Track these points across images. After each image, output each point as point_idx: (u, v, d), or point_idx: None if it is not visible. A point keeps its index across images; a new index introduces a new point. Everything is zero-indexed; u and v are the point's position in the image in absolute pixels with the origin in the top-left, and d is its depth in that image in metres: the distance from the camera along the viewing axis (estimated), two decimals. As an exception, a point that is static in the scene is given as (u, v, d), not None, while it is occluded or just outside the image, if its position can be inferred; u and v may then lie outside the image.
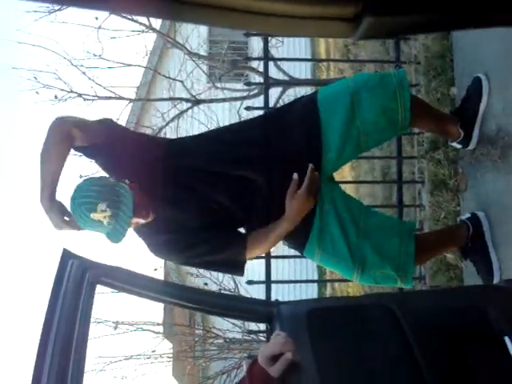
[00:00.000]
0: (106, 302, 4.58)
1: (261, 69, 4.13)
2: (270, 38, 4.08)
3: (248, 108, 3.41)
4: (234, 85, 6.13)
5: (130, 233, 2.27)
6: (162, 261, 9.74)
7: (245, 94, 5.43)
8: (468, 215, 2.79)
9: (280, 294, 3.49)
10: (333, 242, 2.33)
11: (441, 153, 3.23)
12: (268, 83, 3.44)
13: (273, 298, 3.01)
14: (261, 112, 3.36)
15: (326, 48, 9.01)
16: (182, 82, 5.61)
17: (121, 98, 5.63)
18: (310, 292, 8.31)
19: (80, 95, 5.51)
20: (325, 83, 5.15)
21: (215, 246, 2.27)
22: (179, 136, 3.47)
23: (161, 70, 7.91)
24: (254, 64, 5.41)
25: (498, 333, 1.60)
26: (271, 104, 3.96)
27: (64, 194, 2.13)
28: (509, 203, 2.64)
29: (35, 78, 5.45)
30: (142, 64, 6.38)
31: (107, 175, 2.24)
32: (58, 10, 5.03)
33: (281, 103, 5.12)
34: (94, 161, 2.32)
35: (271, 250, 3.29)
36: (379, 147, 4.25)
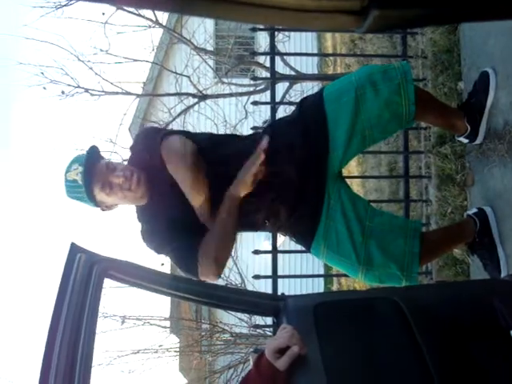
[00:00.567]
0: (114, 296, 4.61)
1: (267, 64, 4.13)
2: (276, 33, 4.07)
3: (255, 103, 3.42)
4: (241, 80, 6.12)
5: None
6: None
7: (251, 88, 5.43)
8: (475, 210, 2.78)
9: (286, 288, 3.49)
10: (338, 239, 2.33)
11: (448, 147, 3.23)
12: (274, 78, 3.44)
13: (279, 293, 3.01)
14: (267, 107, 3.37)
15: (332, 43, 8.99)
16: (188, 77, 5.62)
17: (128, 93, 5.64)
18: (317, 287, 8.33)
19: (87, 90, 5.53)
20: (331, 78, 5.14)
21: (177, 256, 2.28)
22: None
23: (167, 65, 7.91)
24: (261, 59, 5.41)
25: (504, 326, 1.60)
26: (278, 99, 3.96)
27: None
28: (516, 198, 2.63)
29: (42, 73, 5.47)
30: (149, 59, 6.37)
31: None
32: (65, 5, 5.04)
33: (287, 98, 5.11)
34: None
35: (278, 244, 3.31)
36: (386, 142, 4.25)
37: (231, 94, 5.52)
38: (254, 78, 4.29)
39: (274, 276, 3.19)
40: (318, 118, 2.35)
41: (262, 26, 3.63)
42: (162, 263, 6.09)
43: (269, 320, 3.09)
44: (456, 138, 2.86)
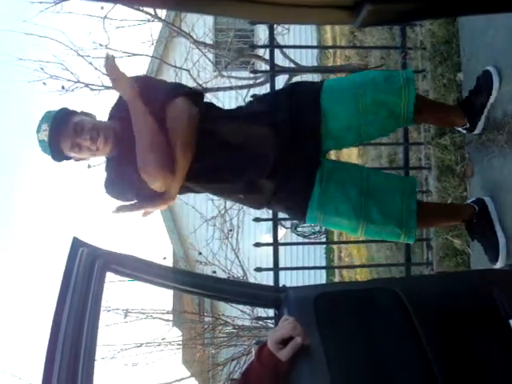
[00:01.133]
0: (116, 290, 4.62)
1: (267, 56, 4.12)
2: (275, 26, 4.07)
3: (254, 96, 3.42)
4: (241, 73, 6.11)
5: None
6: (171, 249, 9.75)
7: (251, 81, 5.43)
8: (473, 199, 2.82)
9: (288, 281, 3.52)
10: (336, 205, 2.37)
11: (447, 139, 3.23)
12: (274, 71, 3.44)
13: (281, 285, 3.03)
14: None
15: (332, 35, 8.97)
16: (188, 70, 5.61)
17: (128, 87, 5.62)
18: (318, 279, 8.34)
19: (87, 85, 5.52)
20: (331, 70, 5.15)
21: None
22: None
23: (167, 59, 7.90)
24: (260, 52, 5.39)
25: (503, 316, 1.61)
26: (277, 92, 3.95)
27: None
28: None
29: (42, 68, 5.46)
30: (148, 53, 6.36)
31: None
32: (64, 0, 5.03)
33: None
34: None
35: (279, 237, 3.32)
36: (386, 134, 4.25)
37: (231, 87, 5.52)
38: (254, 71, 4.30)
39: (276, 268, 3.21)
40: (311, 102, 2.39)
41: (264, 21, 3.62)
42: (165, 257, 6.12)
43: (271, 312, 3.11)
44: (455, 128, 2.90)
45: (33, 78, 5.52)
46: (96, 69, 5.44)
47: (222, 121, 2.41)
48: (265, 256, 3.79)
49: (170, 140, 2.24)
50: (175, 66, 5.79)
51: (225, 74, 5.63)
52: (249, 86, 5.37)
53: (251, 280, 4.82)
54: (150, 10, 5.29)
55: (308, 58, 8.41)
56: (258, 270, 3.31)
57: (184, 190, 2.42)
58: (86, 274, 1.74)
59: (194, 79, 5.55)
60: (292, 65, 5.31)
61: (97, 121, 2.38)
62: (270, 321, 4.22)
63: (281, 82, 5.05)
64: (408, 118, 2.42)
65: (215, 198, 2.82)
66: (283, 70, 4.70)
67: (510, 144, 2.66)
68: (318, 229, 9.39)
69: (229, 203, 5.37)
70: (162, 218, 9.95)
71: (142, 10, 5.19)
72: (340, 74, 5.34)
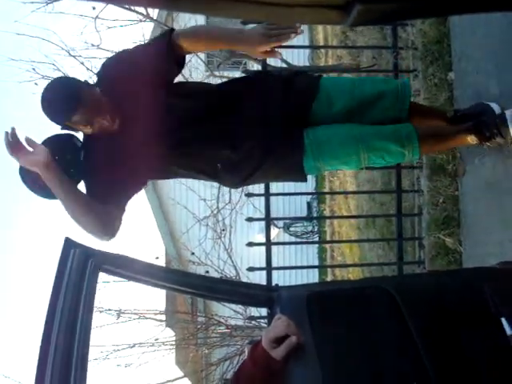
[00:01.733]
0: (109, 290, 4.62)
1: (259, 57, 4.12)
2: (267, 26, 4.07)
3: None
4: (233, 72, 6.12)
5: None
6: (164, 249, 9.73)
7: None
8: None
9: (281, 280, 3.51)
10: (329, 146, 2.33)
11: (439, 138, 3.24)
12: (266, 70, 3.44)
13: (273, 285, 3.03)
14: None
15: (324, 35, 8.98)
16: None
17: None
18: (311, 278, 8.35)
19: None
20: (323, 70, 5.15)
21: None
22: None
23: (159, 59, 7.87)
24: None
25: (494, 314, 1.62)
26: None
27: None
28: (507, 188, 2.65)
29: (34, 69, 5.45)
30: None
31: None
32: (56, 0, 5.02)
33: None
34: None
35: (272, 237, 3.32)
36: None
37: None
38: (246, 71, 4.29)
39: (269, 268, 3.21)
40: (308, 87, 2.41)
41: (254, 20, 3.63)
42: (157, 257, 6.12)
43: (264, 311, 3.11)
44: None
45: (24, 79, 5.51)
46: (88, 69, 5.42)
47: (196, 94, 2.41)
48: (257, 256, 3.79)
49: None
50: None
51: (217, 73, 5.64)
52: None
53: (244, 280, 4.83)
54: (142, 10, 5.28)
55: (300, 58, 8.43)
56: (251, 269, 3.32)
57: (163, 174, 2.45)
58: (78, 274, 1.73)
59: (186, 79, 5.54)
60: (284, 65, 5.32)
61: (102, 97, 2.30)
62: (262, 320, 4.22)
63: (273, 81, 5.05)
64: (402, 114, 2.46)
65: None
66: (275, 70, 4.70)
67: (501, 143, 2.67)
68: (310, 228, 9.41)
69: (221, 203, 5.38)
70: (154, 218, 9.94)
71: (133, 10, 5.18)
72: (332, 73, 5.35)
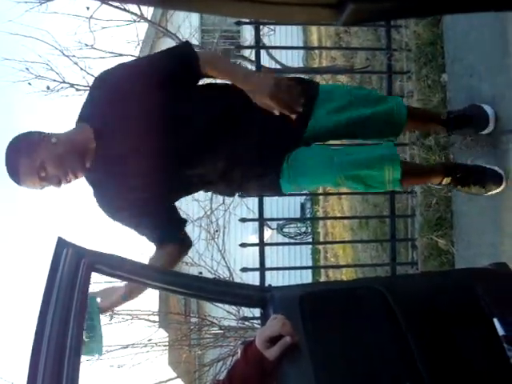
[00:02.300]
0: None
1: (253, 57, 4.13)
2: (261, 27, 4.08)
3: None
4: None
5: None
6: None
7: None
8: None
9: (274, 281, 3.52)
10: (305, 168, 2.30)
11: (432, 139, 3.26)
12: (260, 71, 3.44)
13: (266, 285, 3.03)
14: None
15: (318, 36, 8.99)
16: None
17: (113, 87, 5.60)
18: (305, 279, 8.35)
19: (72, 85, 5.51)
20: (317, 71, 5.16)
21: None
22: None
23: (153, 59, 7.86)
24: (246, 52, 5.40)
25: (487, 314, 1.63)
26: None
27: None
28: (499, 188, 2.66)
29: (27, 69, 5.44)
30: (134, 54, 6.35)
31: None
32: (50, 0, 5.01)
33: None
34: None
35: (265, 237, 3.32)
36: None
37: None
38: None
39: (262, 268, 3.21)
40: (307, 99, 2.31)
41: (247, 20, 3.63)
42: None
43: (257, 312, 3.11)
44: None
45: (18, 78, 5.50)
46: (81, 69, 5.42)
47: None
48: (251, 256, 3.79)
49: None
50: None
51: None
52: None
53: (237, 280, 4.82)
54: (136, 10, 5.28)
55: (294, 59, 8.44)
56: (244, 270, 3.32)
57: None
58: (71, 274, 1.73)
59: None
60: (278, 66, 5.33)
61: (60, 148, 2.12)
62: (256, 321, 4.22)
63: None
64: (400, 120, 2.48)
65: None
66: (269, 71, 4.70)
67: (494, 145, 2.68)
68: (303, 229, 9.41)
69: (215, 204, 5.37)
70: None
71: (127, 11, 5.18)
72: (326, 74, 5.36)
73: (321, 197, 8.46)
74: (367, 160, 2.29)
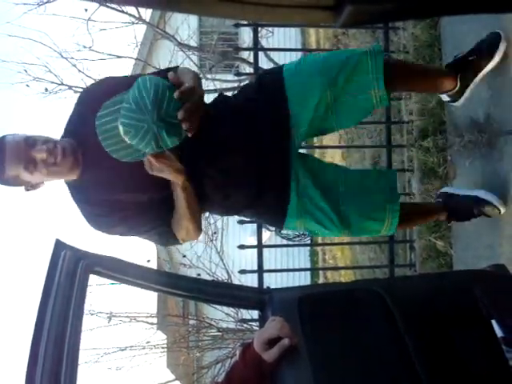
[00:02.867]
0: (100, 293, 4.60)
1: (251, 59, 4.13)
2: (259, 29, 4.08)
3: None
4: (225, 75, 6.13)
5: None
6: (155, 252, 9.73)
7: (235, 84, 5.44)
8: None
9: (273, 283, 3.51)
10: (315, 210, 2.25)
11: (430, 141, 3.26)
12: (258, 73, 3.45)
13: (265, 287, 3.03)
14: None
15: (316, 38, 9.01)
16: (172, 73, 5.60)
17: (111, 89, 5.60)
18: (303, 281, 8.35)
19: (70, 87, 5.51)
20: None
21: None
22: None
23: (151, 61, 7.88)
24: (245, 54, 5.41)
25: (485, 316, 1.63)
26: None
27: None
28: (497, 190, 2.66)
29: (26, 70, 5.45)
30: (133, 56, 6.37)
31: None
32: (47, 1, 5.02)
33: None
34: None
35: (264, 239, 3.32)
36: (369, 136, 4.28)
37: (215, 90, 5.53)
38: (238, 74, 4.31)
39: (260, 270, 3.21)
40: (276, 95, 2.22)
41: (245, 22, 3.64)
42: (149, 259, 6.10)
43: (255, 314, 3.11)
44: (438, 94, 2.65)
45: (16, 80, 5.50)
46: (80, 71, 5.42)
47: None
48: (249, 258, 3.79)
49: None
50: (159, 69, 5.78)
51: (209, 76, 5.64)
52: (233, 89, 5.38)
53: (236, 282, 4.82)
54: (135, 12, 5.28)
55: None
56: (243, 272, 3.32)
57: None
58: (68, 276, 1.73)
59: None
60: (276, 67, 5.33)
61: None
62: (254, 323, 4.22)
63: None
64: (382, 95, 2.21)
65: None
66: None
67: (492, 146, 2.69)
68: (302, 231, 9.40)
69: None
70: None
71: (126, 12, 5.18)
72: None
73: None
74: (372, 210, 2.30)
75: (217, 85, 5.67)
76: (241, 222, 3.39)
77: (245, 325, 4.82)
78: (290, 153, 2.24)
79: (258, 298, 1.86)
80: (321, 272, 8.19)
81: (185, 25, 6.32)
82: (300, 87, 2.22)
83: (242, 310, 4.43)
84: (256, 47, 3.45)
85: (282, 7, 0.57)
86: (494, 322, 1.64)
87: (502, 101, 2.51)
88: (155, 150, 1.75)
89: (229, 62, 6.18)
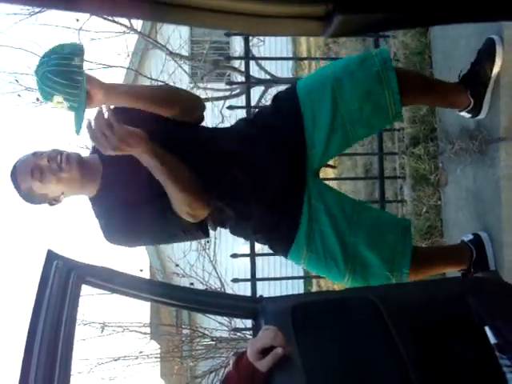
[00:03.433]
0: (93, 303, 4.58)
1: (242, 68, 4.15)
2: (251, 38, 4.10)
3: (230, 107, 3.43)
4: (217, 84, 6.13)
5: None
6: (148, 262, 9.69)
7: (227, 93, 5.45)
8: (470, 237, 2.62)
9: (266, 291, 3.51)
10: (324, 241, 2.19)
11: (421, 148, 3.28)
12: (250, 82, 3.46)
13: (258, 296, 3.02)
14: (243, 111, 3.39)
15: (307, 47, 9.05)
16: (164, 82, 5.61)
17: (103, 99, 5.60)
18: (296, 289, 8.36)
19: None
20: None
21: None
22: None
23: (143, 70, 7.89)
24: (236, 63, 5.42)
25: (478, 323, 1.63)
26: (253, 103, 3.98)
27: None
28: (488, 197, 2.68)
29: (17, 80, 5.43)
30: (124, 65, 6.35)
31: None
32: (39, 12, 5.01)
33: (263, 102, 5.14)
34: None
35: (257, 248, 3.32)
36: (361, 143, 4.30)
37: (207, 99, 5.54)
38: (230, 83, 4.32)
39: (253, 279, 3.21)
40: (292, 116, 2.22)
41: (236, 31, 3.65)
42: (141, 269, 6.08)
43: (249, 323, 3.10)
44: (457, 112, 2.58)
45: (7, 90, 5.48)
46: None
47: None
48: (242, 267, 3.79)
49: None
50: (151, 78, 5.79)
51: (201, 85, 5.65)
52: (225, 98, 5.39)
53: (229, 291, 4.81)
54: (126, 22, 5.29)
55: (283, 70, 8.47)
56: (235, 280, 3.31)
57: None
58: (60, 286, 1.72)
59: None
60: (267, 76, 5.35)
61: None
62: (247, 332, 4.21)
63: (256, 93, 5.08)
64: (396, 107, 2.19)
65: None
66: (259, 82, 4.72)
67: (483, 153, 2.70)
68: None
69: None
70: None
71: (117, 22, 5.19)
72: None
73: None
74: (377, 261, 2.21)
75: (208, 94, 5.68)
76: (233, 231, 3.39)
77: (238, 334, 4.81)
78: (306, 175, 2.22)
79: (251, 307, 1.86)
80: (314, 280, 8.18)
81: (176, 34, 6.33)
82: (312, 104, 2.22)
83: (235, 319, 4.41)
84: (247, 56, 3.46)
85: (274, 18, 0.57)
86: (486, 328, 1.64)
87: (492, 108, 2.52)
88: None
89: (220, 71, 6.19)
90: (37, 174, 2.06)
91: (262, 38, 5.59)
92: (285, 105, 2.28)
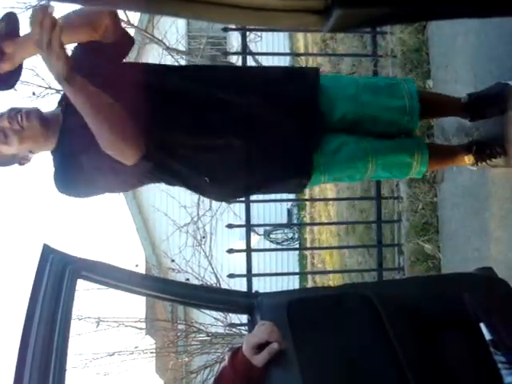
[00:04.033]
0: (88, 298, 4.57)
1: (240, 63, 4.14)
2: (248, 33, 4.09)
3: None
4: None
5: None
6: (143, 257, 9.67)
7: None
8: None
9: (262, 287, 3.51)
10: (339, 158, 2.18)
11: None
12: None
13: (254, 291, 3.03)
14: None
15: (304, 43, 9.04)
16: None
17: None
18: (292, 285, 8.36)
19: (58, 91, 5.46)
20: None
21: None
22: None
23: (139, 65, 7.86)
24: (233, 59, 5.41)
25: (473, 319, 1.64)
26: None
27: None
28: (484, 194, 2.68)
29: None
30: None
31: None
32: (35, 6, 4.99)
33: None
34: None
35: (252, 243, 3.32)
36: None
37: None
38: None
39: (249, 275, 3.21)
40: (310, 89, 2.18)
41: (233, 26, 3.64)
42: (137, 264, 6.08)
43: (244, 319, 3.10)
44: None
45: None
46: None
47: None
48: (238, 262, 3.78)
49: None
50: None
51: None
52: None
53: (224, 286, 4.81)
54: (123, 16, 5.27)
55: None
56: (231, 276, 3.32)
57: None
58: (56, 281, 1.72)
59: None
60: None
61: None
62: (243, 327, 4.21)
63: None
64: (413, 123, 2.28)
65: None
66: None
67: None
68: (290, 235, 9.43)
69: (201, 210, 5.36)
70: (134, 225, 9.88)
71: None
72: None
73: (307, 202, 8.49)
74: (397, 148, 2.24)
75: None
76: (229, 226, 3.39)
77: (233, 329, 4.82)
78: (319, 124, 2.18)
79: (247, 303, 1.86)
80: (309, 276, 8.20)
81: (173, 29, 6.31)
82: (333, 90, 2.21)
83: (230, 314, 4.42)
84: (244, 51, 3.46)
85: (271, 11, 0.57)
86: (482, 324, 1.65)
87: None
88: None
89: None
90: (0, 137, 2.03)
91: (259, 33, 5.58)
92: (301, 81, 2.22)
